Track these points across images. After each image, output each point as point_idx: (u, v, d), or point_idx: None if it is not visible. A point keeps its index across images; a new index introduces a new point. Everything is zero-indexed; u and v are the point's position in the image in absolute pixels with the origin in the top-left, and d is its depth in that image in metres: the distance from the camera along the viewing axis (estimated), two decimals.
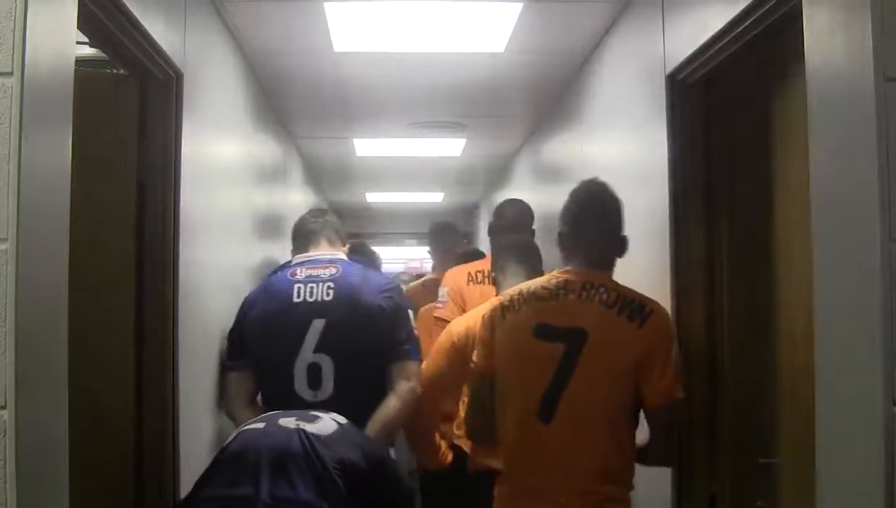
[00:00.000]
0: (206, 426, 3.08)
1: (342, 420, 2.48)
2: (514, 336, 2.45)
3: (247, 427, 2.45)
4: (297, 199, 6.40)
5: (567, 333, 2.38)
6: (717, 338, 2.60)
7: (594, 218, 2.57)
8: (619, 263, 2.62)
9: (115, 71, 2.64)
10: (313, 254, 3.07)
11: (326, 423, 2.41)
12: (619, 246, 2.58)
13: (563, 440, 2.34)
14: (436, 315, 3.84)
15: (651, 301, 2.46)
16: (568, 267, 2.52)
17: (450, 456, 3.21)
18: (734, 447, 2.51)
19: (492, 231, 4.05)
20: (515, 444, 2.43)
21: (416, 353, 2.95)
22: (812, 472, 1.71)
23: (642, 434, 2.46)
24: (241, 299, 3.10)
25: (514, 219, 4.03)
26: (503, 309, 2.50)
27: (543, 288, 2.49)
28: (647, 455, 2.46)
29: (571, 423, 2.34)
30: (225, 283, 3.49)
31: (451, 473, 3.18)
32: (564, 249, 2.57)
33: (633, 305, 2.42)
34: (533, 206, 6.12)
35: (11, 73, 1.47)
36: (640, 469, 2.42)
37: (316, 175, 7.59)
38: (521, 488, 2.42)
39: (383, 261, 6.61)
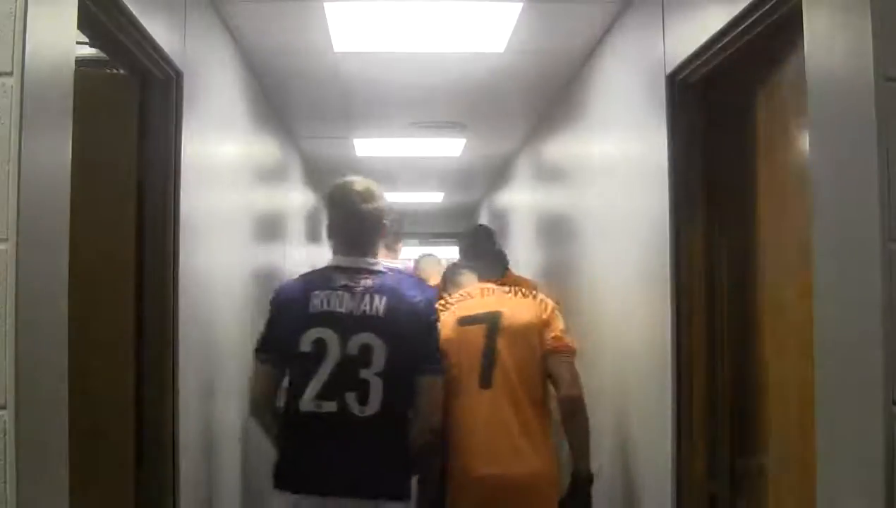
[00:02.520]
0: (206, 426, 3.08)
1: None
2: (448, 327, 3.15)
3: None
4: (297, 199, 6.41)
5: (486, 316, 3.22)
6: (716, 338, 2.60)
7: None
8: (620, 263, 2.62)
9: (115, 71, 2.64)
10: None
11: None
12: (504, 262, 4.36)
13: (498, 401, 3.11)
14: None
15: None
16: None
17: None
18: (734, 447, 2.51)
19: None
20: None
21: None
22: (811, 472, 1.71)
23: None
24: (241, 299, 3.08)
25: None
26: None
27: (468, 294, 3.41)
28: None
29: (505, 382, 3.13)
30: (225, 283, 3.50)
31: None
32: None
33: (524, 291, 3.44)
34: (533, 206, 6.12)
35: (11, 73, 1.47)
36: (640, 470, 2.43)
37: (316, 175, 7.59)
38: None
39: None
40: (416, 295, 2.87)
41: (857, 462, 1.54)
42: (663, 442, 2.72)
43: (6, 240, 1.45)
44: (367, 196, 2.92)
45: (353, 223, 2.89)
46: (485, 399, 3.08)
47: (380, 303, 2.78)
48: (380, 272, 2.88)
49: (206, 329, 3.09)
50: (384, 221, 2.96)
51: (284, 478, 2.78)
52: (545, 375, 3.17)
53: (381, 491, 2.73)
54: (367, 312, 2.77)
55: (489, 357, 3.12)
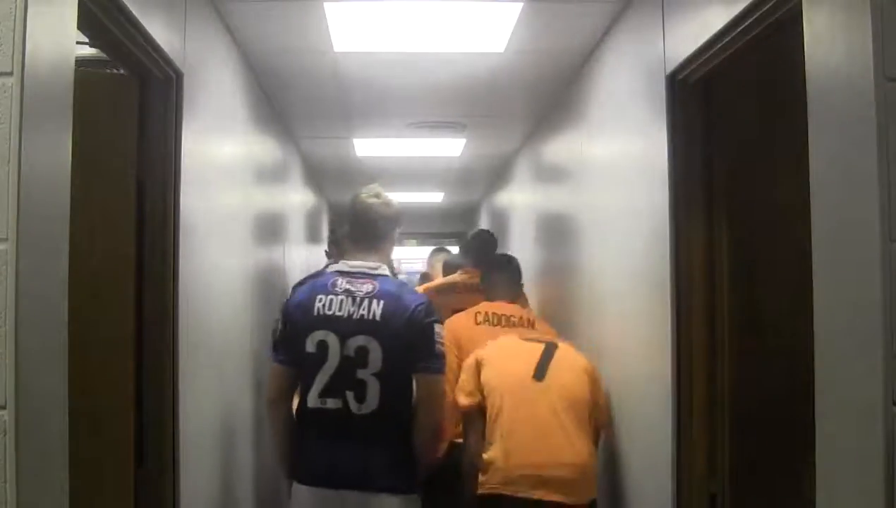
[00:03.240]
0: (206, 426, 3.09)
1: None
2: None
3: None
4: (297, 199, 6.41)
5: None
6: (716, 338, 2.60)
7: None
8: (620, 263, 2.62)
9: (115, 71, 2.64)
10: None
11: None
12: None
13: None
14: None
15: None
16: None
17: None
18: (734, 447, 2.51)
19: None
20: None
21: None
22: (810, 472, 1.71)
23: None
24: (241, 298, 3.09)
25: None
26: None
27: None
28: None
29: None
30: (225, 283, 3.50)
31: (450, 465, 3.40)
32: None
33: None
34: (533, 206, 6.12)
35: (11, 73, 1.47)
36: (640, 469, 2.43)
37: (316, 175, 7.59)
38: None
39: (403, 261, 6.96)
40: (414, 300, 3.02)
41: (857, 462, 1.54)
42: (663, 442, 2.72)
43: (6, 239, 1.45)
44: (384, 204, 3.17)
45: (368, 229, 3.12)
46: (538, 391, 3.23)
47: (377, 308, 2.95)
48: (381, 276, 3.04)
49: (207, 328, 3.09)
50: (396, 228, 3.18)
51: (300, 472, 2.99)
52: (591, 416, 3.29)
53: (383, 486, 2.89)
54: (365, 316, 2.94)
55: (545, 362, 3.28)
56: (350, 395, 2.91)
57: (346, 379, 2.91)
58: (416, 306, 2.99)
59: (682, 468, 2.63)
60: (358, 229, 3.15)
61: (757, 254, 2.58)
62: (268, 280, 4.69)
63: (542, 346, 3.35)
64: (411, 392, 2.98)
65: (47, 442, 1.60)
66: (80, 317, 1.77)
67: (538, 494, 3.03)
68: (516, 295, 4.04)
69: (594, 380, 3.34)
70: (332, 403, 2.92)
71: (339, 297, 2.98)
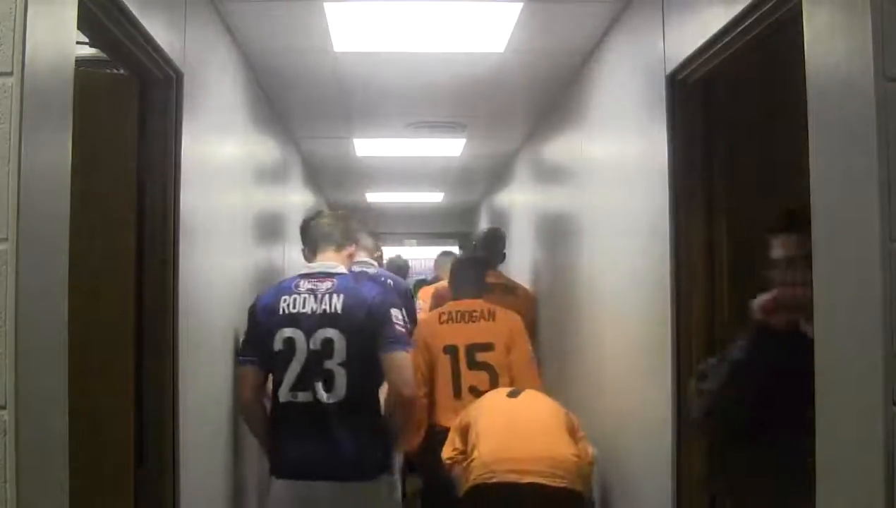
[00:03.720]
0: (206, 426, 3.08)
1: None
2: None
3: None
4: (296, 199, 6.40)
5: None
6: (716, 338, 2.59)
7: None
8: (620, 262, 2.62)
9: (115, 71, 2.64)
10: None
11: None
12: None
13: None
14: None
15: None
16: None
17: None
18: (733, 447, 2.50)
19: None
20: None
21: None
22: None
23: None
24: (241, 298, 3.13)
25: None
26: None
27: None
28: None
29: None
30: (225, 283, 3.49)
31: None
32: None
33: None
34: (533, 206, 6.13)
35: (11, 73, 1.47)
36: (640, 469, 2.44)
37: (316, 175, 7.59)
38: None
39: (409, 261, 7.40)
40: (371, 291, 3.26)
41: (858, 461, 1.54)
42: (663, 442, 2.72)
43: (6, 240, 1.45)
44: (327, 216, 3.55)
45: (316, 233, 3.41)
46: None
47: (338, 301, 3.16)
48: (339, 274, 3.26)
49: (207, 328, 3.09)
50: (342, 230, 3.42)
51: (276, 466, 3.20)
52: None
53: (353, 474, 3.08)
54: (328, 310, 3.14)
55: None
56: (319, 386, 3.09)
57: (314, 371, 3.10)
58: (373, 296, 3.21)
59: (682, 468, 2.62)
60: (309, 240, 3.45)
61: (757, 254, 2.58)
62: (268, 279, 4.68)
63: (509, 388, 3.73)
64: (377, 379, 3.19)
65: (47, 442, 1.60)
66: (80, 317, 1.77)
67: (513, 477, 3.17)
68: (480, 292, 4.32)
69: (568, 416, 3.51)
70: (302, 396, 3.11)
71: (303, 296, 3.18)
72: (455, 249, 9.63)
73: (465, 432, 3.46)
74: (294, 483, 3.11)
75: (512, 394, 3.60)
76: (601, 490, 3.64)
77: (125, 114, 2.53)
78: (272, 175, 5.04)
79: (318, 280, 3.23)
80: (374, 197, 9.29)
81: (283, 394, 3.13)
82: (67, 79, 1.68)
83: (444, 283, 5.17)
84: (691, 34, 2.49)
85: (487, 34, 3.72)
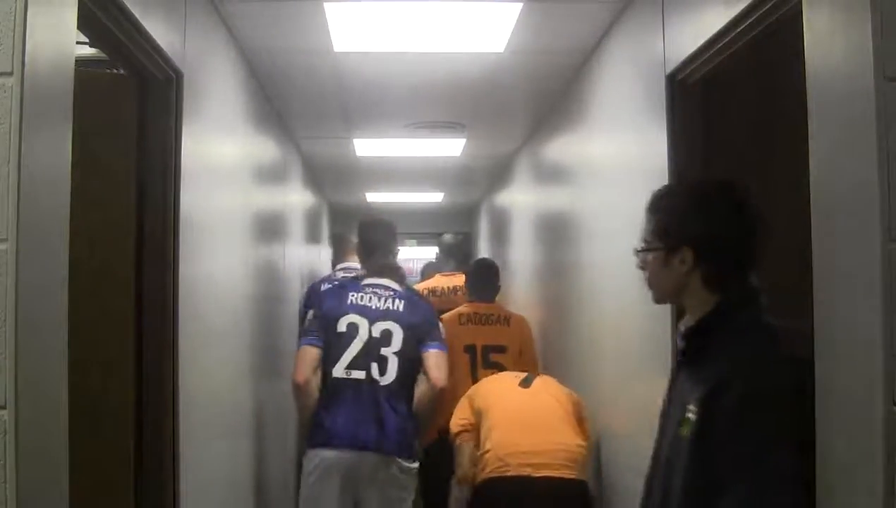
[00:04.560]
0: (206, 425, 3.08)
1: None
2: None
3: None
4: (296, 199, 6.40)
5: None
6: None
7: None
8: (620, 263, 2.62)
9: (115, 71, 2.64)
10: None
11: None
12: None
13: None
14: None
15: None
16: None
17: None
18: None
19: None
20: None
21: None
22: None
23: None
24: (241, 298, 3.14)
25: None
26: None
27: None
28: None
29: None
30: (225, 283, 3.49)
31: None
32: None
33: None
34: (533, 206, 6.13)
35: (11, 73, 1.47)
36: (640, 469, 2.42)
37: (316, 175, 7.59)
38: None
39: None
40: (425, 303, 3.98)
41: (858, 461, 1.54)
42: None
43: (6, 240, 1.45)
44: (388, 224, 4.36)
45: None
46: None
47: (399, 304, 3.75)
48: (396, 289, 3.84)
49: (207, 328, 3.09)
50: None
51: (318, 437, 3.55)
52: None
53: (392, 449, 3.52)
54: (391, 308, 3.72)
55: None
56: (374, 367, 3.57)
57: (371, 355, 3.59)
58: (427, 307, 3.93)
59: None
60: (374, 267, 4.01)
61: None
62: (267, 279, 4.69)
63: (524, 374, 3.89)
64: (418, 370, 3.68)
65: (47, 442, 1.60)
66: (80, 317, 1.77)
67: (527, 471, 3.34)
68: (494, 296, 4.76)
69: (576, 402, 3.70)
70: (356, 374, 3.56)
71: (368, 295, 3.76)
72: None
73: (476, 411, 3.65)
74: (339, 451, 3.48)
75: (524, 383, 3.74)
76: (602, 490, 3.64)
77: (125, 114, 2.53)
78: (272, 175, 5.04)
79: (381, 287, 3.82)
80: (374, 197, 9.29)
81: (338, 370, 3.57)
82: (67, 79, 1.68)
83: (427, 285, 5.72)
84: (691, 34, 2.49)
85: (487, 34, 3.72)
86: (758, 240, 1.89)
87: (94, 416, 2.26)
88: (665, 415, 1.95)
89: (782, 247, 2.25)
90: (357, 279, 3.96)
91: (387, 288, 3.81)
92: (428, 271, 7.32)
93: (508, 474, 3.34)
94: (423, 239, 11.80)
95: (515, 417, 3.54)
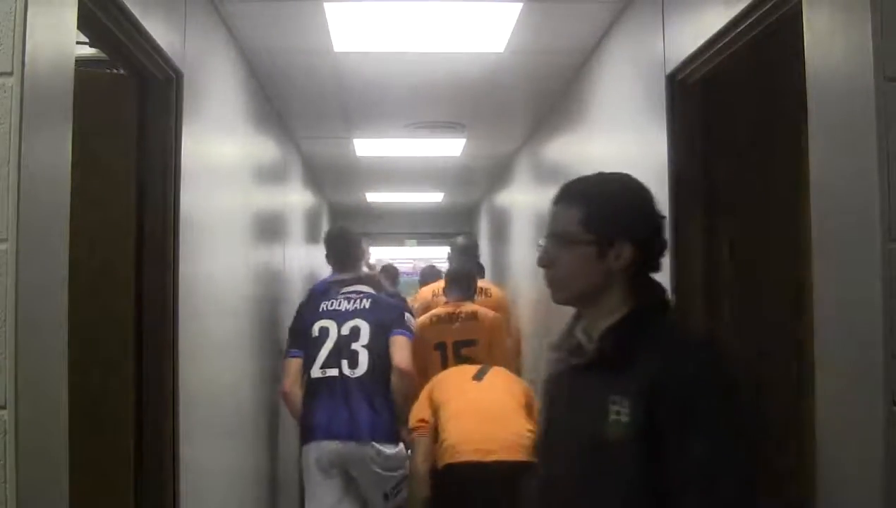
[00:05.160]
0: (206, 425, 3.08)
1: None
2: None
3: None
4: (296, 199, 6.40)
5: None
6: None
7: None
8: None
9: (115, 71, 2.64)
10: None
11: None
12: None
13: None
14: None
15: None
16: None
17: None
18: None
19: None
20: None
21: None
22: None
23: None
24: (241, 298, 3.14)
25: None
26: None
27: None
28: None
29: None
30: (225, 283, 3.49)
31: None
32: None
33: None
34: (533, 206, 6.12)
35: (11, 73, 1.47)
36: None
37: (316, 175, 7.59)
38: None
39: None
40: (390, 300, 4.28)
41: (857, 462, 1.54)
42: None
43: (6, 240, 1.45)
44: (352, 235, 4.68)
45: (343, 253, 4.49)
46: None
47: (366, 302, 4.06)
48: (366, 290, 4.16)
49: (207, 328, 3.09)
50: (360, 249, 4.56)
51: (306, 433, 3.86)
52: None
53: (373, 436, 3.77)
54: (357, 307, 4.02)
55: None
56: (345, 363, 3.85)
57: (341, 352, 3.87)
58: (395, 304, 4.25)
59: None
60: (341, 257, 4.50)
61: (757, 254, 2.58)
62: (268, 279, 4.69)
63: (477, 367, 4.16)
64: (389, 360, 3.89)
65: (47, 442, 1.60)
66: (80, 317, 1.77)
67: (478, 456, 3.61)
68: (469, 296, 5.07)
69: (527, 391, 4.01)
70: (330, 372, 3.84)
71: (340, 300, 4.07)
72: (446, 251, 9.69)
73: (433, 407, 3.91)
74: (325, 443, 3.76)
75: (478, 377, 4.03)
76: None
77: (125, 114, 2.53)
78: (272, 175, 5.04)
79: (351, 293, 4.11)
80: (374, 197, 9.29)
81: (315, 371, 3.87)
82: (67, 79, 1.68)
83: (428, 290, 6.01)
84: (691, 34, 2.49)
85: (487, 34, 3.72)
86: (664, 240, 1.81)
87: (94, 416, 2.26)
88: (554, 421, 1.81)
89: (781, 246, 2.25)
90: (333, 285, 4.27)
91: (359, 292, 4.13)
92: (427, 275, 7.40)
93: (461, 460, 3.63)
94: (423, 239, 11.79)
95: (469, 409, 3.82)
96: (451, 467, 3.66)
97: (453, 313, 4.89)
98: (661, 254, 1.80)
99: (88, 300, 2.14)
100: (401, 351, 3.94)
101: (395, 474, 3.85)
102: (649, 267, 1.79)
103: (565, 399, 1.77)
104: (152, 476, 2.51)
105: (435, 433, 3.83)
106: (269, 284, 4.75)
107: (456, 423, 3.76)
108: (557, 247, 1.76)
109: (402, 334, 3.98)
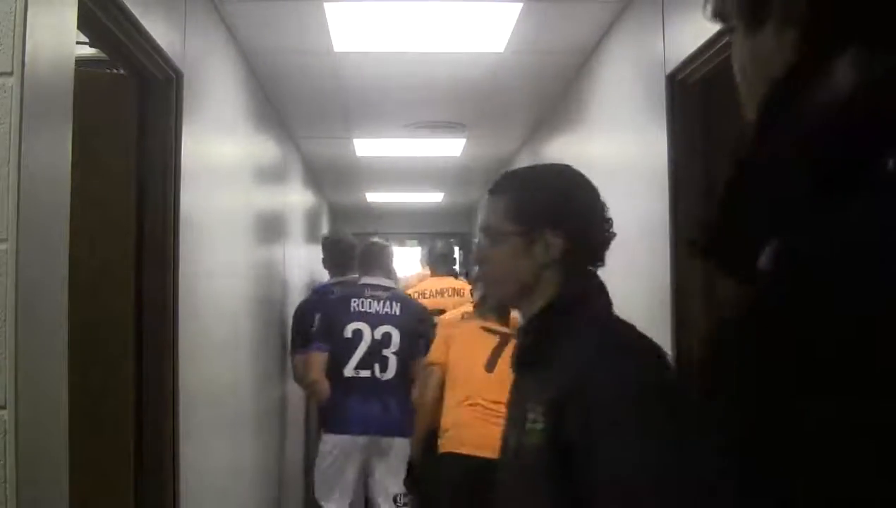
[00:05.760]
0: (206, 425, 3.08)
1: None
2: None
3: None
4: (297, 199, 6.41)
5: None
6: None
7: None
8: (620, 264, 2.61)
9: (115, 71, 2.64)
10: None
11: None
12: None
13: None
14: None
15: None
16: None
17: None
18: None
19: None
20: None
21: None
22: None
23: None
24: (241, 298, 3.13)
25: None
26: None
27: None
28: None
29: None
30: (225, 282, 3.49)
31: None
32: None
33: None
34: None
35: (11, 73, 1.47)
36: None
37: (316, 175, 7.59)
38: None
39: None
40: (419, 306, 4.54)
41: None
42: None
43: (6, 240, 1.45)
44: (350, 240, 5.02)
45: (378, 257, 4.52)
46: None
47: (396, 307, 4.29)
48: (393, 289, 4.42)
49: (207, 328, 3.09)
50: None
51: (333, 424, 4.20)
52: None
53: (397, 431, 4.11)
54: (389, 312, 4.25)
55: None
56: (377, 366, 4.15)
57: (374, 356, 4.16)
58: (422, 309, 4.51)
59: None
60: (370, 262, 4.49)
61: None
62: (267, 279, 4.69)
63: (496, 339, 3.79)
64: (413, 364, 4.18)
65: (47, 442, 1.60)
66: (80, 317, 1.77)
67: (476, 451, 3.47)
68: (451, 272, 5.69)
69: None
70: (363, 373, 4.14)
71: (368, 299, 4.26)
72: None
73: (446, 348, 3.83)
74: (353, 437, 4.11)
75: (489, 367, 3.81)
76: None
77: (125, 114, 2.53)
78: (272, 175, 5.04)
79: (378, 290, 4.31)
80: (374, 197, 9.29)
81: (349, 370, 4.14)
82: (67, 79, 1.68)
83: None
84: (691, 34, 2.49)
85: (487, 34, 3.72)
86: (608, 232, 1.68)
87: (94, 416, 2.26)
88: (507, 424, 1.64)
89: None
90: (353, 284, 4.48)
91: (384, 288, 4.35)
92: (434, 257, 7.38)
93: (461, 451, 3.56)
94: (423, 239, 11.79)
95: (473, 413, 3.68)
96: (451, 455, 3.65)
97: (444, 288, 5.27)
98: (601, 246, 1.66)
99: (88, 300, 2.14)
100: (421, 384, 4.09)
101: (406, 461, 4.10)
102: (588, 261, 1.64)
103: (509, 402, 1.65)
104: (152, 476, 2.51)
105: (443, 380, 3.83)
106: (269, 284, 4.75)
107: (457, 426, 3.70)
108: (488, 242, 1.64)
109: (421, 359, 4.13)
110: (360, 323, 4.20)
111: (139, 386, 2.49)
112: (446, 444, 3.66)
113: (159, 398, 2.53)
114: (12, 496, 1.42)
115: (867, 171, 0.53)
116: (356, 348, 4.17)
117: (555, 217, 1.58)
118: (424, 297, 5.73)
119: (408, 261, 10.64)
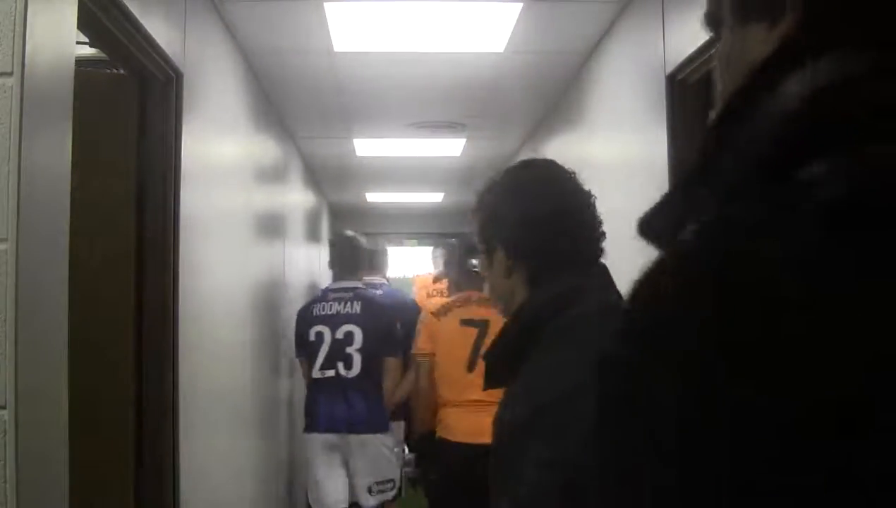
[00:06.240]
0: (206, 425, 3.08)
1: None
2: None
3: None
4: (296, 199, 6.40)
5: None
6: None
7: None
8: (619, 264, 2.61)
9: (115, 71, 2.64)
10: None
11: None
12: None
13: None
14: None
15: None
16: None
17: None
18: None
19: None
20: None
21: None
22: None
23: None
24: (241, 298, 3.12)
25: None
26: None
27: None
28: None
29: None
30: (225, 282, 3.49)
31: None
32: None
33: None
34: None
35: (11, 73, 1.47)
36: None
37: (316, 175, 7.59)
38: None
39: None
40: (384, 302, 4.60)
41: None
42: None
43: (6, 240, 1.45)
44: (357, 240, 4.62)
45: (344, 257, 4.50)
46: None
47: (357, 305, 4.32)
48: (357, 288, 4.42)
49: (206, 328, 3.09)
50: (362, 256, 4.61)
51: (307, 425, 4.30)
52: None
53: (365, 428, 4.18)
54: (350, 312, 4.30)
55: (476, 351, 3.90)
56: (340, 365, 4.21)
57: (337, 355, 4.21)
58: (388, 306, 4.51)
59: None
60: (341, 262, 4.52)
61: None
62: (267, 279, 4.69)
63: (475, 332, 3.85)
64: (381, 360, 4.25)
65: (47, 442, 1.60)
66: (80, 317, 1.77)
67: (470, 438, 3.53)
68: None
69: None
70: (329, 373, 4.21)
71: (330, 303, 4.35)
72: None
73: (431, 337, 3.90)
74: (326, 434, 4.19)
75: (470, 367, 3.88)
76: None
77: (125, 114, 2.53)
78: (272, 175, 5.04)
79: (342, 291, 4.36)
80: (374, 197, 9.29)
81: (315, 372, 4.23)
82: (67, 79, 1.68)
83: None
84: (691, 34, 2.49)
85: (487, 34, 3.72)
86: (587, 232, 1.67)
87: (94, 416, 2.26)
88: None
89: None
90: (330, 289, 4.50)
91: (347, 289, 4.38)
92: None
93: (455, 439, 3.67)
94: (423, 239, 11.79)
95: (460, 411, 3.80)
96: (446, 441, 3.75)
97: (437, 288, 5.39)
98: (564, 254, 1.61)
99: (88, 300, 2.14)
100: (393, 380, 4.26)
101: (385, 451, 4.27)
102: (553, 271, 1.58)
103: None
104: (152, 476, 2.51)
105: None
106: (269, 283, 4.75)
107: (447, 422, 3.83)
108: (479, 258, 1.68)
109: (392, 356, 4.27)
110: (320, 325, 4.29)
111: (139, 385, 2.49)
112: (441, 432, 3.79)
113: (159, 398, 2.53)
114: (12, 496, 1.42)
115: (797, 171, 0.53)
116: (319, 350, 4.27)
117: (500, 233, 1.61)
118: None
119: (406, 262, 10.66)
